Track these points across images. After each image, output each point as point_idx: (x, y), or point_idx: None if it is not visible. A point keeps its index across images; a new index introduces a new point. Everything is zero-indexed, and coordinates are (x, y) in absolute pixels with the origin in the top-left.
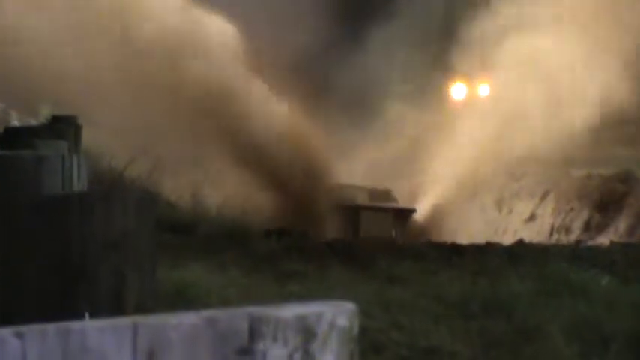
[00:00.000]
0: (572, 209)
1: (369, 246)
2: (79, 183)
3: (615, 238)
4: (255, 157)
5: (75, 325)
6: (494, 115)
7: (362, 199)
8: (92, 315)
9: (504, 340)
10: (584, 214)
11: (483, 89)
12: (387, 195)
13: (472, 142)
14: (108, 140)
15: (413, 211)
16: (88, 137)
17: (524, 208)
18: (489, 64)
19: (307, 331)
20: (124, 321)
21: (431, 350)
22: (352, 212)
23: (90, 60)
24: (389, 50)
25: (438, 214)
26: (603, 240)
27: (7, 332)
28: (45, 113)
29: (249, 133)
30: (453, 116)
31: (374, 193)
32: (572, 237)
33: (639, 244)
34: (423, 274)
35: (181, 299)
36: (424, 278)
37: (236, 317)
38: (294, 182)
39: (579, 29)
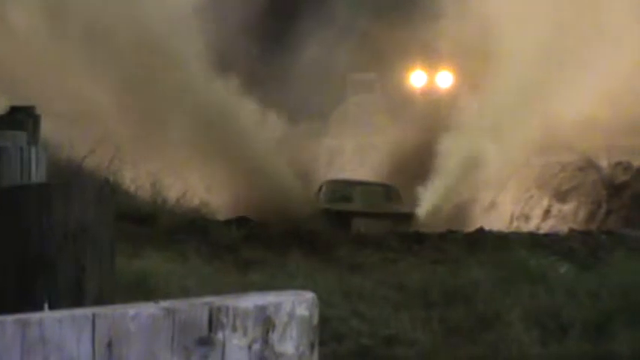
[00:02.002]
0: (531, 197)
1: (330, 235)
2: (38, 174)
3: (574, 226)
4: (218, 148)
5: (33, 316)
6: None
7: (356, 199)
8: (51, 306)
9: (464, 328)
10: (544, 202)
11: (443, 77)
12: (387, 193)
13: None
14: (67, 130)
15: (411, 215)
16: (46, 127)
17: (484, 196)
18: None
19: (267, 321)
20: (83, 312)
21: (391, 339)
22: (341, 218)
23: (48, 48)
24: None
25: None
26: (562, 228)
27: None
28: (2, 104)
29: (210, 123)
30: (413, 104)
31: (371, 192)
32: (532, 225)
33: (598, 232)
34: (384, 263)
35: (141, 289)
36: (385, 267)
37: (195, 307)
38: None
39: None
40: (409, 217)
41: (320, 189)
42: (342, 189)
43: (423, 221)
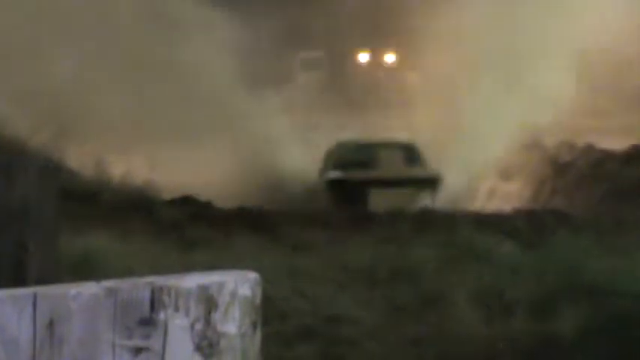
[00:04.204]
0: (476, 176)
1: (275, 214)
2: None
3: (519, 206)
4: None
5: None
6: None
7: (372, 164)
8: None
9: (409, 307)
10: (489, 182)
11: (389, 58)
12: (409, 151)
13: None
14: (10, 107)
15: (437, 179)
16: None
17: None
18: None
19: (209, 301)
20: (24, 291)
21: (334, 318)
22: (356, 190)
23: None
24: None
25: None
26: (507, 207)
27: None
28: None
29: (156, 100)
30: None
31: (389, 155)
32: (477, 204)
33: (542, 211)
34: (330, 242)
35: (85, 268)
36: (330, 246)
37: (137, 287)
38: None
39: None
40: (435, 181)
41: (328, 155)
42: (354, 154)
43: None
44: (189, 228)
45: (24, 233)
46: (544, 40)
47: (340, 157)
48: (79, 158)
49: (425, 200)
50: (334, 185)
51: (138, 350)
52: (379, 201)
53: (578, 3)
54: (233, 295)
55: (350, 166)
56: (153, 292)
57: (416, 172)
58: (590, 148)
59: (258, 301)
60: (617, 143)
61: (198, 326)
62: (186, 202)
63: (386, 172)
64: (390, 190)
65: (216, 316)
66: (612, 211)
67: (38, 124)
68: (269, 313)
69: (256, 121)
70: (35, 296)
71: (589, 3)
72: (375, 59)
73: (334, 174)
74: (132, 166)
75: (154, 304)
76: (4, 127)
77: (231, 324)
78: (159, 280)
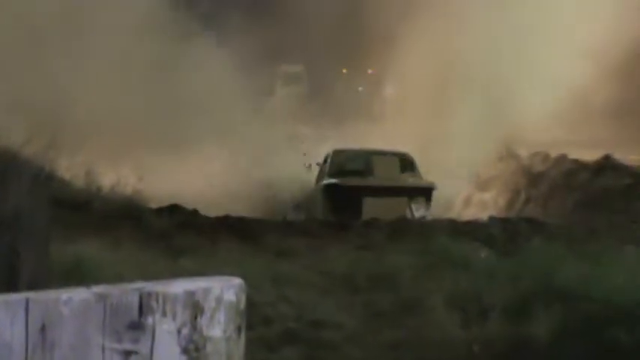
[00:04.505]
0: (453, 185)
1: (258, 223)
2: None
3: (494, 214)
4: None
5: None
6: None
7: (367, 172)
8: None
9: (388, 312)
10: (466, 191)
11: (368, 72)
12: (404, 160)
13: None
14: (3, 119)
15: (431, 188)
16: None
17: None
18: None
19: (195, 306)
20: (17, 297)
21: (317, 323)
22: (351, 197)
23: None
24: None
25: None
26: (483, 215)
27: None
28: None
29: (144, 114)
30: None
31: (384, 163)
32: (453, 212)
33: (516, 219)
34: (310, 250)
35: (76, 274)
36: (311, 253)
37: (126, 293)
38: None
39: None
40: (429, 190)
41: (325, 161)
42: (351, 160)
43: None
44: (177, 236)
45: (16, 240)
46: (521, 59)
47: (336, 164)
48: (71, 168)
49: (420, 209)
50: (329, 191)
51: (127, 354)
52: (373, 208)
53: (554, 24)
54: (218, 300)
55: (346, 173)
56: (141, 297)
57: (410, 180)
58: (562, 159)
59: (242, 306)
60: (588, 154)
61: (185, 330)
62: (173, 210)
63: (381, 179)
64: (384, 198)
65: (202, 321)
66: (584, 219)
67: (30, 134)
68: (253, 318)
69: (240, 133)
70: (27, 301)
71: (564, 24)
72: (355, 73)
73: (330, 180)
74: (121, 176)
75: (143, 309)
76: None
77: (217, 328)
78: (147, 286)
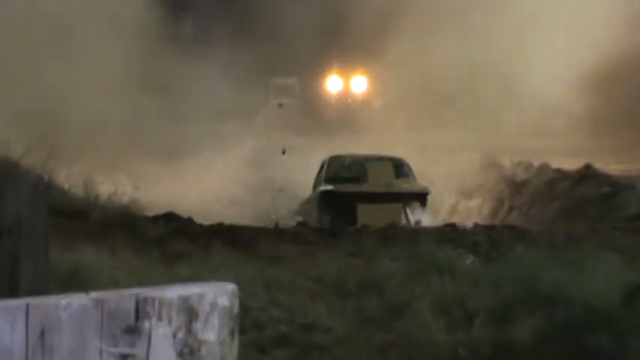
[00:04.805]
0: (440, 194)
1: (251, 230)
2: None
3: (479, 221)
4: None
5: None
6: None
7: (362, 178)
8: None
9: (377, 316)
10: (451, 199)
11: (357, 82)
12: (398, 166)
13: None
14: (3, 130)
15: (426, 194)
16: None
17: None
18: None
19: (190, 311)
20: (17, 302)
21: (308, 326)
22: (346, 201)
23: None
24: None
25: None
26: (468, 223)
27: None
28: None
29: (138, 126)
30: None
31: (379, 169)
32: (439, 220)
33: (500, 226)
34: (302, 256)
35: (74, 281)
36: (302, 259)
37: (123, 298)
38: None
39: None
40: (423, 196)
41: (322, 167)
42: (346, 167)
43: None
44: (172, 243)
45: (16, 247)
46: (505, 72)
47: (332, 170)
48: (69, 178)
49: (415, 214)
50: (325, 197)
51: (124, 357)
52: (368, 214)
53: (536, 38)
54: (213, 305)
55: (341, 179)
56: (137, 302)
57: (405, 186)
58: (545, 168)
59: (235, 310)
60: (569, 164)
61: (180, 334)
62: (168, 218)
63: (376, 185)
64: (379, 204)
65: (197, 325)
66: (565, 226)
67: (30, 145)
68: (246, 322)
69: (234, 143)
70: (28, 307)
71: (546, 39)
72: (345, 86)
73: (325, 186)
74: (118, 185)
75: (139, 313)
76: None
77: (211, 332)
78: (143, 292)
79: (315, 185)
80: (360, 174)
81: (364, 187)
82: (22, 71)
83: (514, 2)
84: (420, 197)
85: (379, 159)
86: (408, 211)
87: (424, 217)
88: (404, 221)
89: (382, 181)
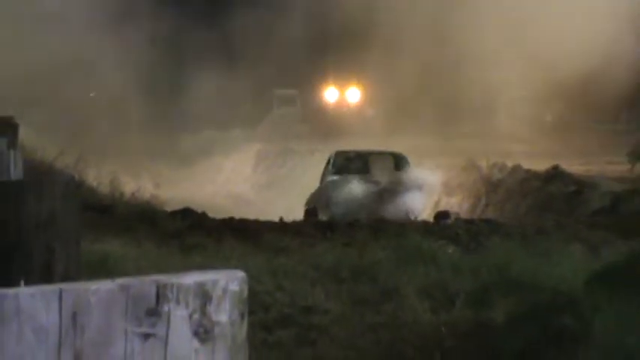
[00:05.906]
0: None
1: (258, 224)
2: (16, 172)
3: (459, 216)
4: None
5: (10, 291)
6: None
7: (363, 170)
8: (26, 283)
9: (369, 299)
10: (435, 197)
11: (352, 92)
12: (399, 159)
13: None
14: (40, 137)
15: (421, 185)
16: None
17: None
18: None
19: (204, 295)
20: (52, 287)
21: (308, 308)
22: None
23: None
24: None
25: None
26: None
27: None
28: None
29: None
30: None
31: (379, 162)
32: (424, 215)
33: (478, 220)
34: (303, 246)
35: (102, 269)
36: (303, 249)
37: (145, 284)
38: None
39: None
40: (421, 187)
41: (328, 161)
42: (351, 161)
43: None
44: (188, 235)
45: (51, 239)
46: (482, 81)
47: (338, 163)
48: (97, 177)
49: (416, 203)
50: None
51: (146, 336)
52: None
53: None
54: (224, 290)
55: (346, 171)
56: (158, 288)
57: (403, 177)
58: (517, 169)
59: (245, 295)
60: (539, 165)
61: (196, 316)
62: (185, 213)
63: (377, 177)
64: (381, 194)
65: (211, 308)
66: (535, 220)
67: (63, 148)
68: (254, 305)
69: (242, 147)
70: (61, 291)
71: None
72: (341, 96)
73: (332, 177)
74: (141, 184)
75: (159, 298)
76: (34, 152)
77: (223, 314)
78: (163, 278)
79: (323, 177)
80: (363, 167)
81: (366, 179)
82: (54, 84)
83: (495, 17)
84: (418, 187)
85: (381, 153)
86: (406, 201)
87: (421, 201)
88: (403, 209)
89: (383, 173)
